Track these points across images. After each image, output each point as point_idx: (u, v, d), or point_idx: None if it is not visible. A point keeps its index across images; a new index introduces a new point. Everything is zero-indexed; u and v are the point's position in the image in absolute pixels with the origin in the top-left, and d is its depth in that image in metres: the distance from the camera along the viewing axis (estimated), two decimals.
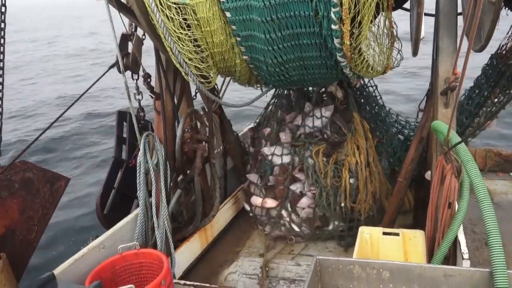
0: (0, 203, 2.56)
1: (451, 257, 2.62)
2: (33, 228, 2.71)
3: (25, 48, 28.08)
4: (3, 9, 2.69)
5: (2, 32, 2.70)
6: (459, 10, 3.00)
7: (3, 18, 2.69)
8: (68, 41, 29.71)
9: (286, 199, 3.82)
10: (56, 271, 2.63)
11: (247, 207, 4.12)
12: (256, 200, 3.97)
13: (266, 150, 3.97)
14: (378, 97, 4.26)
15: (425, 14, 3.18)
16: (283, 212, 3.81)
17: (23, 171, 2.69)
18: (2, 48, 2.72)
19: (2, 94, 2.75)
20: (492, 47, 3.83)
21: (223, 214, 4.11)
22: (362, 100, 4.12)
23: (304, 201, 3.74)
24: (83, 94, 3.22)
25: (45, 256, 4.98)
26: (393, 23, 2.70)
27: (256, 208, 3.98)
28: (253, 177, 4.09)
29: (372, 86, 4.22)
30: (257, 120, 4.41)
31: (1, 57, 2.73)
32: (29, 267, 2.84)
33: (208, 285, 3.01)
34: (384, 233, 3.17)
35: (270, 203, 3.85)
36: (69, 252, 2.99)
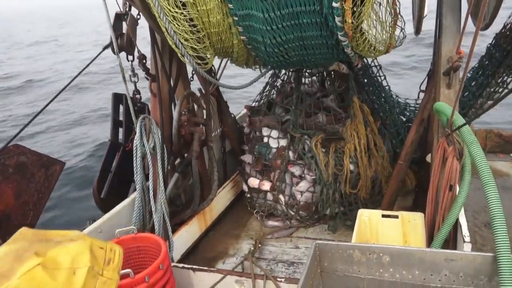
0: None
1: (451, 240, 2.60)
2: (29, 212, 2.68)
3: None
4: None
5: None
6: None
7: None
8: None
9: (283, 182, 3.79)
10: None
11: (245, 188, 4.09)
12: (253, 181, 3.93)
13: (265, 131, 3.92)
14: (382, 77, 4.18)
15: None
16: (281, 196, 3.79)
17: (17, 155, 2.63)
18: None
19: None
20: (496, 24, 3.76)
21: (222, 198, 4.09)
22: (365, 80, 4.03)
23: (303, 185, 3.71)
24: (76, 76, 3.14)
25: None
26: (396, 0, 2.61)
27: (253, 190, 3.95)
28: (247, 158, 4.06)
29: (376, 66, 4.13)
30: (255, 100, 4.37)
31: None
32: None
33: (206, 268, 3.00)
34: (383, 216, 3.16)
35: (268, 185, 3.82)
36: None
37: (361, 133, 3.57)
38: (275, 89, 4.23)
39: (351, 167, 3.53)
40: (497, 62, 3.69)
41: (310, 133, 3.72)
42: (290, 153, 3.76)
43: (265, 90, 4.29)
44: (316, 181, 3.59)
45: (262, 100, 4.27)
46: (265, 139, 3.94)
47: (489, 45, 3.81)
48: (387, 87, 4.25)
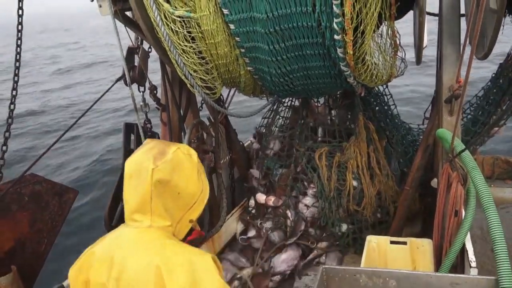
0: (10, 216, 2.60)
1: (459, 266, 2.60)
2: (43, 240, 2.74)
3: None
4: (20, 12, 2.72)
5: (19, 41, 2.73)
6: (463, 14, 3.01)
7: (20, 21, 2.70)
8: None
9: (289, 197, 3.83)
10: (66, 283, 2.65)
11: (252, 203, 4.13)
12: (261, 197, 3.97)
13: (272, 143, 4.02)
14: (389, 96, 4.24)
15: (428, 13, 3.18)
16: (288, 212, 3.79)
17: (32, 184, 2.72)
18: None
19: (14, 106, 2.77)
20: (498, 54, 3.85)
21: (230, 225, 4.12)
22: (372, 100, 4.10)
23: (309, 199, 3.74)
24: (90, 107, 3.27)
25: (55, 268, 5.00)
26: (395, 32, 2.72)
27: (260, 205, 3.98)
28: (255, 173, 4.12)
29: (386, 95, 4.20)
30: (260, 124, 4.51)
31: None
32: (39, 279, 2.87)
33: None
34: (392, 242, 3.16)
35: (274, 201, 3.86)
36: None
37: (363, 150, 3.61)
38: (279, 115, 4.34)
39: (355, 183, 3.55)
40: (501, 91, 3.77)
41: (315, 146, 3.77)
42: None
43: (270, 116, 4.39)
44: (318, 195, 3.62)
45: (268, 119, 4.38)
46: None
47: (493, 74, 3.90)
48: (393, 106, 4.30)
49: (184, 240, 1.54)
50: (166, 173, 1.40)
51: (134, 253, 1.37)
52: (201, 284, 1.30)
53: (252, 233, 3.97)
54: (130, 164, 1.47)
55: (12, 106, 2.73)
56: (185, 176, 1.46)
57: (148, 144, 1.49)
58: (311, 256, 3.56)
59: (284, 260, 3.56)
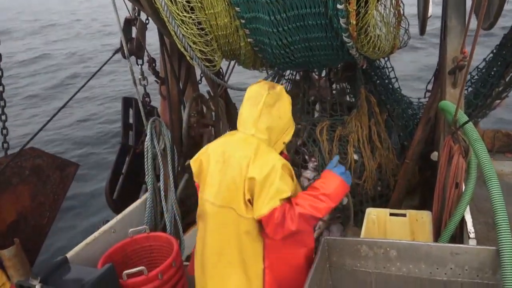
0: (11, 190, 2.60)
1: (458, 237, 2.63)
2: (45, 213, 2.76)
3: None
4: None
5: None
6: None
7: None
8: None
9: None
10: (69, 255, 2.69)
11: None
12: None
13: None
14: (390, 69, 4.18)
15: None
16: None
17: (32, 158, 2.72)
18: None
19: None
20: (502, 27, 3.78)
21: None
22: (372, 73, 4.05)
23: (309, 172, 3.74)
24: (88, 81, 3.22)
25: (57, 241, 5.08)
26: (399, 1, 2.65)
27: None
28: None
29: (387, 68, 4.14)
30: None
31: None
32: (42, 252, 2.90)
33: None
34: (391, 214, 3.19)
35: None
36: (80, 236, 3.05)
37: (364, 124, 3.59)
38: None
39: (355, 156, 3.54)
40: (505, 63, 3.70)
41: (316, 120, 3.76)
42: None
43: None
44: (318, 168, 3.62)
45: None
46: None
47: (497, 46, 3.83)
48: (394, 79, 4.25)
49: None
50: (273, 99, 1.95)
51: (239, 148, 1.95)
52: (270, 176, 1.83)
53: None
54: (250, 90, 2.03)
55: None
56: (284, 106, 1.99)
57: (262, 81, 2.07)
58: (315, 234, 3.57)
59: None
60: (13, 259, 2.49)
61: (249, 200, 1.87)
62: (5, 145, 2.70)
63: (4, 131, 2.74)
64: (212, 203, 1.99)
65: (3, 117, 2.76)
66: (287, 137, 2.04)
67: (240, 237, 1.91)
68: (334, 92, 4.08)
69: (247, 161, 1.86)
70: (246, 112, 1.99)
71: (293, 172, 1.96)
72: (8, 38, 22.37)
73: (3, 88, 2.80)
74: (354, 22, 2.42)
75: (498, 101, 3.82)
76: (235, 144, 1.99)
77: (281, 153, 2.04)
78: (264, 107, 1.93)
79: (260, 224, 1.89)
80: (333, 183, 1.99)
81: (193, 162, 2.19)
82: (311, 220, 1.93)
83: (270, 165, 1.84)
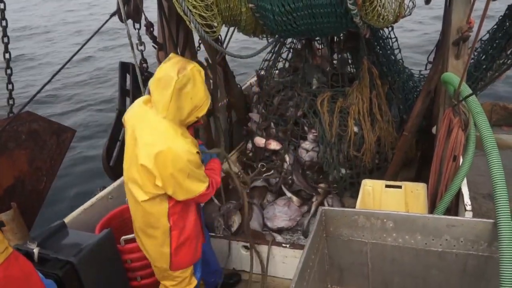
0: (8, 154, 2.58)
1: (453, 209, 2.67)
2: (42, 178, 2.75)
3: None
4: None
5: None
6: None
7: None
8: None
9: (289, 143, 3.83)
10: (67, 220, 2.70)
11: (249, 147, 4.14)
12: (260, 141, 3.97)
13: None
14: (394, 39, 4.11)
15: None
16: (286, 156, 3.81)
17: (29, 122, 2.68)
18: None
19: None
20: None
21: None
22: (375, 43, 3.98)
23: (308, 143, 3.75)
24: (84, 45, 3.14)
25: (54, 206, 5.10)
26: None
27: (259, 149, 3.99)
28: (255, 116, 4.09)
29: (391, 39, 4.06)
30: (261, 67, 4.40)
31: None
32: (39, 217, 2.91)
33: (213, 234, 3.11)
34: (387, 186, 3.22)
35: (274, 145, 3.86)
36: (78, 202, 3.06)
37: (365, 95, 3.56)
38: (280, 57, 4.22)
39: (355, 129, 3.53)
40: (508, 35, 3.63)
41: (317, 91, 3.72)
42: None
43: (271, 58, 4.27)
44: (319, 140, 3.61)
45: (269, 62, 4.26)
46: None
47: (501, 17, 3.74)
48: (396, 50, 4.18)
49: (189, 127, 2.16)
50: (183, 82, 1.97)
51: (147, 132, 2.05)
52: (177, 177, 2.00)
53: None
54: (160, 71, 2.02)
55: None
56: (195, 86, 2.02)
57: (174, 59, 2.06)
58: (313, 208, 3.61)
59: (285, 217, 3.58)
60: (10, 223, 2.50)
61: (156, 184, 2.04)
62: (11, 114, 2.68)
63: (11, 101, 2.72)
64: (125, 176, 2.20)
65: (10, 86, 2.74)
66: (201, 113, 2.10)
67: (143, 204, 2.11)
68: (335, 62, 4.02)
69: (155, 151, 1.97)
70: (157, 95, 2.02)
71: (199, 155, 2.07)
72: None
73: (10, 56, 2.76)
74: None
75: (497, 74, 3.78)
76: (145, 124, 2.07)
77: (196, 122, 2.17)
78: (174, 92, 1.96)
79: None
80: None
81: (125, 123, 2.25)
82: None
83: (176, 164, 1.97)
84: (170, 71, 1.97)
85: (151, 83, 2.06)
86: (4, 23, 2.72)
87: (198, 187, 2.09)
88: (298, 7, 2.68)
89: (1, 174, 2.54)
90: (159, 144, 1.98)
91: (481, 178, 3.79)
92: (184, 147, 1.98)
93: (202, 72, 2.08)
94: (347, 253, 2.17)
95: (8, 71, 2.77)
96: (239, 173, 3.93)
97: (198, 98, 2.05)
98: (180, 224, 2.20)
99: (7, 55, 2.77)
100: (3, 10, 2.73)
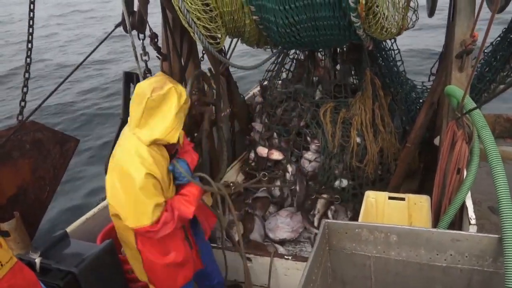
0: (12, 163, 2.58)
1: (457, 223, 2.65)
2: (45, 187, 2.74)
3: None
4: None
5: None
6: None
7: None
8: None
9: (292, 153, 3.82)
10: (69, 229, 2.70)
11: (252, 156, 4.14)
12: (262, 150, 3.96)
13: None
14: (396, 51, 4.13)
15: None
16: (288, 166, 3.80)
17: (33, 132, 2.69)
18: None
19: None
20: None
21: (230, 177, 4.14)
22: (378, 54, 3.99)
23: (311, 153, 3.74)
24: (89, 55, 3.16)
25: (57, 216, 5.10)
26: None
27: (261, 159, 3.98)
28: (258, 126, 4.09)
29: (393, 50, 4.07)
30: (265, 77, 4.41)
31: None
32: (42, 226, 2.90)
33: (215, 245, 3.09)
34: (390, 198, 3.20)
35: (277, 155, 3.86)
36: (80, 211, 3.06)
37: (367, 107, 3.56)
38: (284, 67, 4.24)
39: (358, 139, 3.52)
40: (511, 47, 3.64)
41: (320, 102, 3.72)
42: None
43: (274, 69, 4.29)
44: (321, 150, 3.61)
45: (272, 72, 4.28)
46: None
47: (504, 29, 3.76)
48: (399, 62, 4.20)
49: (172, 153, 2.20)
50: (156, 102, 2.00)
51: (121, 149, 2.10)
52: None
53: None
54: (138, 88, 2.06)
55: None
56: (168, 108, 2.03)
57: (156, 77, 2.12)
58: (316, 218, 3.59)
59: (288, 228, 3.55)
60: (13, 232, 2.50)
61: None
62: (20, 117, 2.66)
63: (22, 103, 2.70)
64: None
65: (25, 89, 2.72)
66: (172, 139, 2.06)
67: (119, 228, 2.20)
68: (337, 73, 4.03)
69: (119, 169, 2.03)
70: (132, 110, 2.08)
71: (157, 177, 2.03)
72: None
73: (30, 61, 2.75)
74: (363, 1, 2.36)
75: (502, 86, 3.78)
76: (122, 141, 2.15)
77: (173, 148, 2.18)
78: (145, 110, 2.00)
79: None
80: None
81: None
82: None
83: (132, 189, 1.97)
84: (146, 89, 2.00)
85: (132, 99, 2.09)
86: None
87: (139, 219, 1.99)
88: (301, 19, 2.69)
89: (5, 183, 2.54)
90: (120, 160, 2.04)
91: (486, 191, 3.77)
92: (138, 168, 1.97)
93: (183, 96, 2.08)
94: (350, 267, 2.15)
95: (26, 75, 2.74)
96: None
97: (168, 121, 2.02)
98: (152, 251, 2.18)
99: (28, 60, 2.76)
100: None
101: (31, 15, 2.72)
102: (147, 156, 2.01)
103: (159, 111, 2.00)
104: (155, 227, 2.01)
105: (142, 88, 2.02)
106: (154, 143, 2.05)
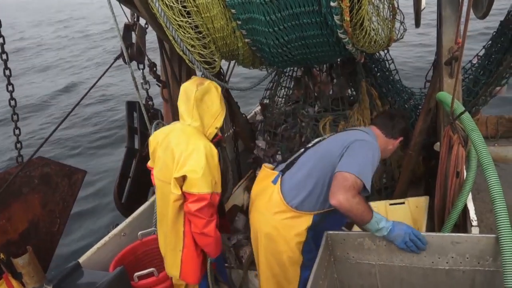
0: (22, 199, 2.67)
1: (461, 225, 2.66)
2: (56, 220, 2.83)
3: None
4: None
5: None
6: None
7: None
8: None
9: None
10: (81, 260, 2.76)
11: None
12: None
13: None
14: (390, 61, 4.20)
15: None
16: None
17: (41, 167, 2.79)
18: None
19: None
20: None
21: (237, 197, 4.19)
22: (373, 65, 4.06)
23: None
24: (91, 88, 3.29)
25: (69, 247, 5.17)
26: None
27: None
28: (261, 143, 4.15)
29: (387, 60, 4.15)
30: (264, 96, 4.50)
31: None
32: (54, 258, 2.98)
33: (226, 265, 3.12)
34: (391, 204, 3.23)
35: None
36: (91, 241, 3.12)
37: (366, 117, 3.61)
38: (280, 85, 4.33)
39: None
40: (503, 49, 3.70)
41: (318, 116, 3.78)
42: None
43: (272, 87, 4.38)
44: None
45: (271, 91, 4.37)
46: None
47: (494, 33, 3.82)
48: (394, 71, 4.25)
49: (212, 140, 2.54)
50: (201, 93, 2.43)
51: (176, 136, 2.47)
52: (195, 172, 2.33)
53: None
54: (183, 87, 2.48)
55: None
56: (212, 97, 2.47)
57: (194, 78, 2.55)
58: None
59: None
60: (27, 266, 2.56)
61: (176, 178, 2.36)
62: (19, 159, 2.80)
63: (18, 145, 2.84)
64: (158, 178, 2.56)
65: (17, 131, 2.87)
66: (218, 123, 2.52)
67: (172, 204, 2.42)
68: (333, 87, 4.10)
69: (180, 149, 2.37)
70: (182, 107, 2.48)
71: (217, 156, 2.50)
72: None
73: (15, 103, 2.89)
74: (348, 19, 2.44)
75: (498, 88, 3.82)
76: (175, 132, 2.50)
77: (215, 136, 2.57)
78: (194, 101, 2.41)
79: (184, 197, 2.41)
80: None
81: (149, 144, 2.69)
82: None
83: (197, 163, 2.33)
84: (190, 86, 2.44)
85: (179, 99, 2.49)
86: None
87: (203, 187, 2.34)
88: (291, 39, 2.78)
89: (16, 219, 2.63)
90: (189, 144, 2.37)
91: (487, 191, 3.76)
92: (207, 145, 2.38)
93: (219, 88, 2.53)
94: (356, 276, 2.17)
95: (15, 117, 2.89)
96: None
97: (215, 108, 2.47)
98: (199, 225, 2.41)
99: (13, 102, 2.91)
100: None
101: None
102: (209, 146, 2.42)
103: (205, 100, 2.44)
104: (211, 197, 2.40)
105: (187, 87, 2.45)
106: (208, 134, 2.49)
